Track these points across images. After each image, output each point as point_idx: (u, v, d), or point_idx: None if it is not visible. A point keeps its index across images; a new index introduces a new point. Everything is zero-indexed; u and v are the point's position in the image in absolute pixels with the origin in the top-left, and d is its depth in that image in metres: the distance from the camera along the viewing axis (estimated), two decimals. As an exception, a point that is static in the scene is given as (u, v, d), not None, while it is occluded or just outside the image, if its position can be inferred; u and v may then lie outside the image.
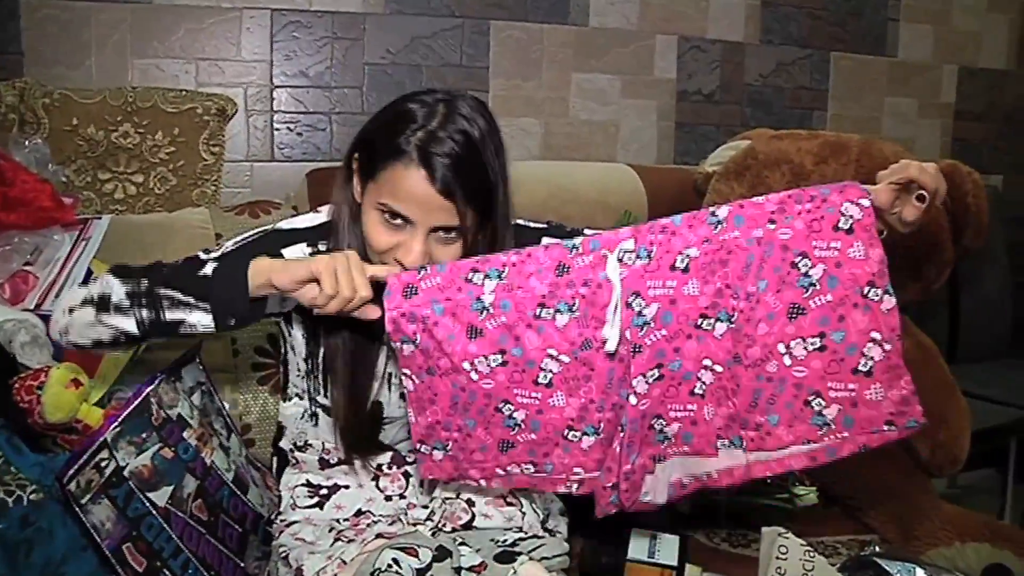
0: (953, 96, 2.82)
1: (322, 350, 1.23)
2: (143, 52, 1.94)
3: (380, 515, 1.25)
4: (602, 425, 1.08)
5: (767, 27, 2.53)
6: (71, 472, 1.04)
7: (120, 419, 1.14)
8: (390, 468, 1.29)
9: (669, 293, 1.04)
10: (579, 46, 2.32)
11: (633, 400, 1.07)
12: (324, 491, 1.28)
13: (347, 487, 1.28)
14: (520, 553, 1.14)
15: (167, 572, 1.13)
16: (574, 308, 1.05)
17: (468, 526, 1.23)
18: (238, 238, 1.21)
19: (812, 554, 1.24)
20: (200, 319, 1.07)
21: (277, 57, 2.04)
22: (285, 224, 1.24)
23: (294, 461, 1.32)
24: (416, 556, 1.04)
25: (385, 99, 2.15)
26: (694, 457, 1.11)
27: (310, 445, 1.30)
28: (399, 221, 1.09)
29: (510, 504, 1.24)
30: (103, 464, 1.09)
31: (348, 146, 1.18)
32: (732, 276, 1.04)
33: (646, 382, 1.07)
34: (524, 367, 1.06)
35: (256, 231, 1.23)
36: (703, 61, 2.47)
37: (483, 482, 1.13)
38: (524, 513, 1.24)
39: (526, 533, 1.22)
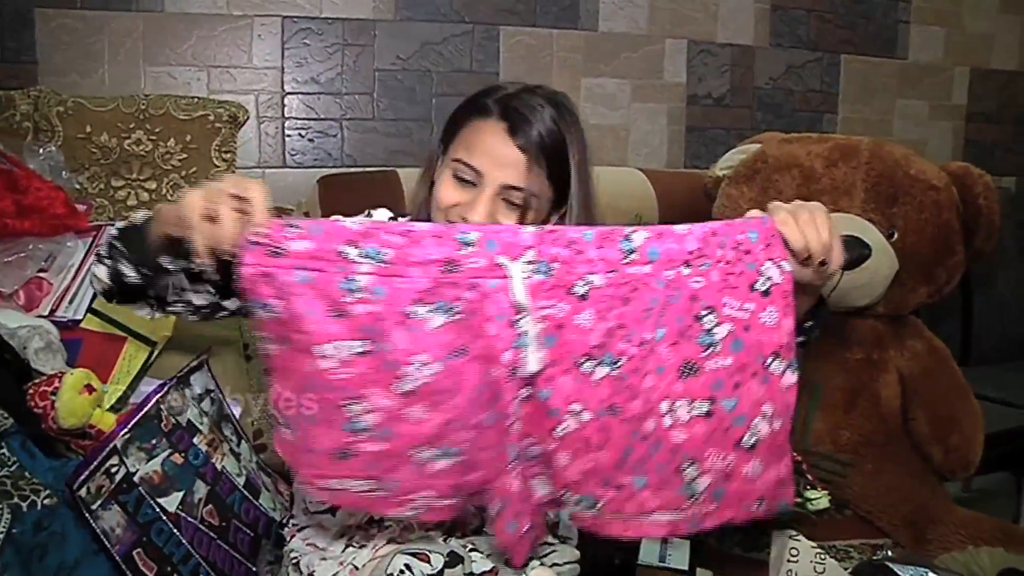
0: (965, 98, 2.81)
1: None
2: (155, 60, 1.95)
3: (391, 521, 1.25)
4: (462, 447, 0.95)
5: (777, 30, 2.53)
6: (81, 478, 1.05)
7: (130, 426, 1.14)
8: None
9: (559, 316, 0.92)
10: (589, 51, 2.33)
11: (518, 426, 0.94)
12: (335, 496, 1.28)
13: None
14: (532, 558, 1.14)
15: (178, 577, 1.14)
16: (453, 312, 0.91)
17: (479, 531, 1.23)
18: None
19: (823, 557, 1.24)
20: (128, 270, 1.01)
21: (288, 64, 2.06)
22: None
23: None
24: (428, 561, 1.04)
25: (396, 105, 2.16)
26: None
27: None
28: (470, 177, 1.10)
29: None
30: (113, 470, 1.10)
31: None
32: (630, 317, 0.92)
33: (518, 402, 0.94)
34: (385, 367, 0.91)
35: None
36: (713, 65, 2.47)
37: (309, 487, 0.97)
38: (535, 518, 1.25)
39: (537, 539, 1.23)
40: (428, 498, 0.97)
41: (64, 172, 1.63)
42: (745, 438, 0.94)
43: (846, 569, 1.27)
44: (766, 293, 0.93)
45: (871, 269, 1.68)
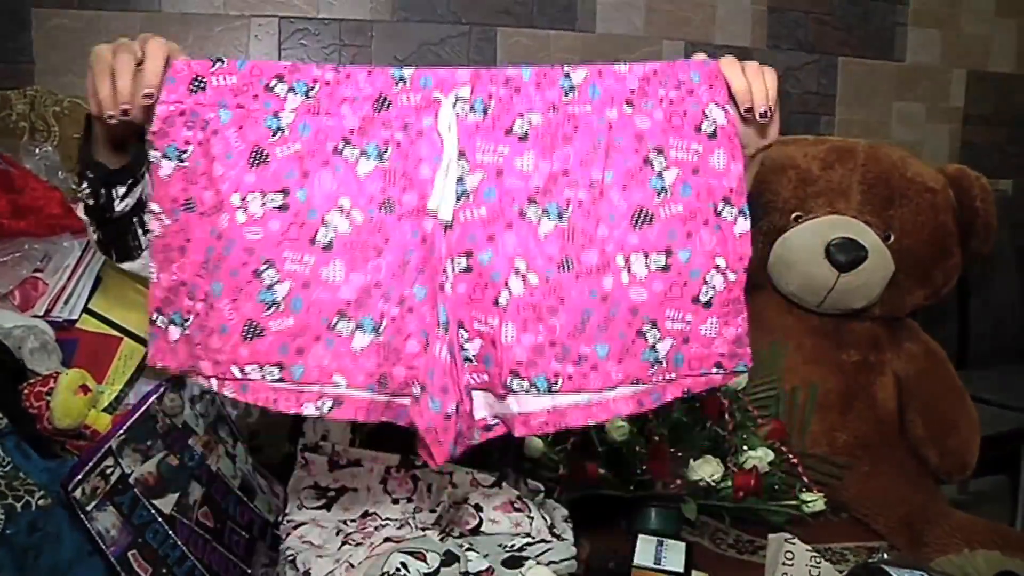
0: (962, 100, 2.81)
1: None
2: (152, 60, 1.95)
3: (387, 518, 1.25)
4: (384, 323, 0.88)
5: (774, 32, 2.53)
6: (76, 479, 1.05)
7: (125, 427, 1.14)
8: (398, 471, 1.29)
9: (498, 162, 0.88)
10: (586, 52, 2.32)
11: (449, 288, 0.88)
12: (331, 493, 1.29)
13: (355, 490, 1.28)
14: (528, 558, 1.14)
15: (173, 578, 1.14)
16: (384, 155, 0.88)
17: (476, 531, 1.23)
18: None
19: (818, 560, 1.24)
20: (84, 185, 0.95)
21: (285, 64, 2.05)
22: None
23: (303, 462, 1.32)
24: (424, 560, 1.04)
25: (392, 106, 2.10)
26: (487, 391, 0.91)
27: (320, 446, 1.31)
28: None
29: (518, 510, 1.24)
30: (108, 471, 1.10)
31: None
32: (575, 157, 0.88)
33: (453, 270, 0.88)
34: (304, 219, 0.86)
35: None
36: (710, 66, 2.47)
37: (214, 382, 0.88)
38: (532, 518, 1.24)
39: (534, 538, 1.22)
40: (341, 385, 0.88)
41: (60, 172, 1.63)
42: (701, 293, 0.89)
43: (841, 572, 1.27)
44: (712, 135, 0.89)
45: (867, 271, 1.68)
